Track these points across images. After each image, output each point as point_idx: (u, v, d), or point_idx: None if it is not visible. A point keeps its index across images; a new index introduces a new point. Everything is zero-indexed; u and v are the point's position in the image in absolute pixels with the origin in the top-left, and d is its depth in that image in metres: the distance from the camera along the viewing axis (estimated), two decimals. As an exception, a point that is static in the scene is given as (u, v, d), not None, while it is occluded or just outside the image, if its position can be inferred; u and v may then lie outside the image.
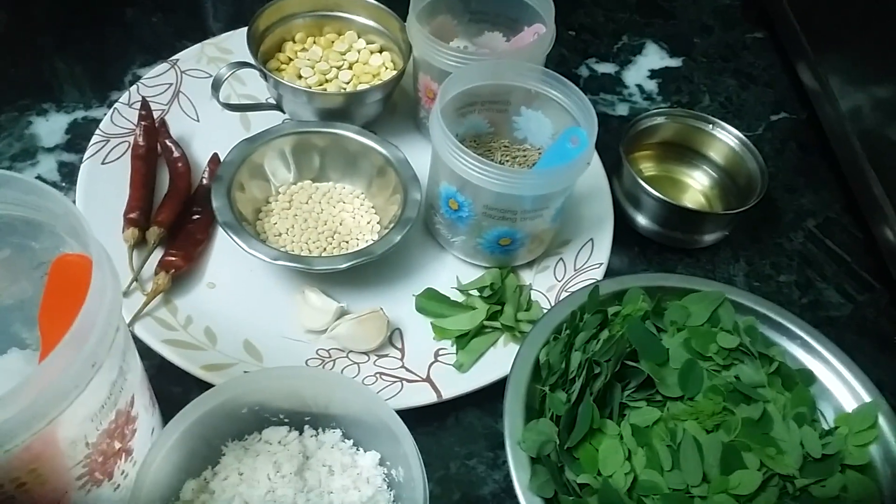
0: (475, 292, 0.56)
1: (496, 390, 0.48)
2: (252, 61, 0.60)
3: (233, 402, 0.42)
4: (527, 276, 0.58)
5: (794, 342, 0.51)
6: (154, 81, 0.65)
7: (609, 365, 0.45)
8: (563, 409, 0.44)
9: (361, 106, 0.62)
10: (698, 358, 0.47)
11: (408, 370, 0.51)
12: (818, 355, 0.50)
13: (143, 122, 0.60)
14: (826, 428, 0.47)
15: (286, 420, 0.45)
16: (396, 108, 0.68)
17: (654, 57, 0.82)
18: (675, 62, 0.81)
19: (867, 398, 0.47)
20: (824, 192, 0.70)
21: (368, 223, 0.59)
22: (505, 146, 0.62)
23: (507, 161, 0.61)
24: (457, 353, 0.52)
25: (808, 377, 0.49)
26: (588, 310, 0.50)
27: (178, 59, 0.67)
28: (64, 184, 0.61)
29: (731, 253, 0.64)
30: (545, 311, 0.56)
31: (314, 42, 0.67)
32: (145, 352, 0.50)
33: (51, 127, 0.65)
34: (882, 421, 0.46)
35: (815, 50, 0.76)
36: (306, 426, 0.45)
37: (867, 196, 0.64)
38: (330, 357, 0.51)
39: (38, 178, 0.61)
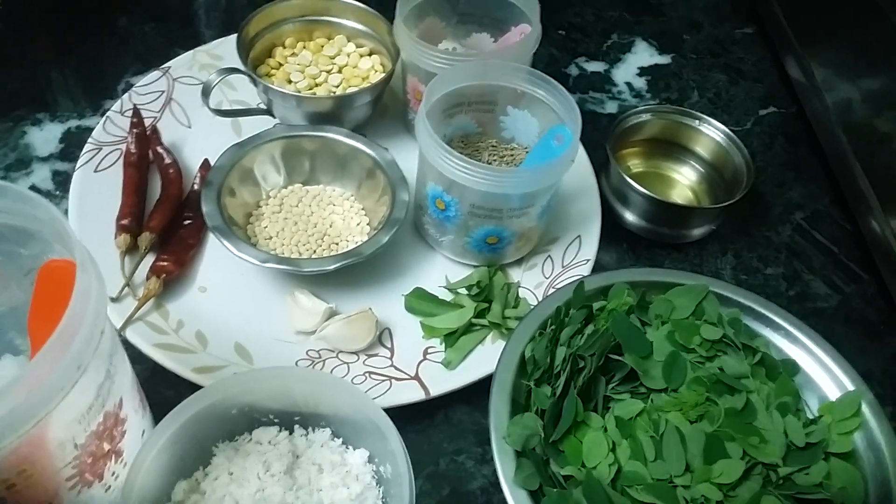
0: (463, 290, 0.57)
1: (484, 386, 0.48)
2: (241, 67, 0.61)
3: (223, 404, 0.43)
4: (515, 274, 0.59)
5: (779, 333, 0.51)
6: (146, 89, 0.66)
7: (593, 359, 0.46)
8: (548, 402, 0.44)
9: (350, 109, 0.63)
10: (682, 350, 0.48)
11: (397, 369, 0.52)
12: (802, 346, 0.50)
13: (134, 130, 0.61)
14: (810, 417, 0.48)
15: (276, 420, 0.45)
16: (386, 109, 0.69)
17: (643, 54, 0.82)
18: (664, 59, 0.82)
19: (850, 387, 0.47)
20: (813, 186, 0.71)
21: (358, 224, 0.60)
22: (493, 146, 0.62)
23: (495, 160, 0.61)
24: (445, 351, 0.53)
25: (792, 367, 0.49)
26: (573, 305, 0.51)
27: (169, 67, 0.68)
28: (58, 192, 0.62)
29: (718, 247, 0.65)
30: (532, 307, 0.56)
31: (304, 47, 0.68)
32: (137, 356, 0.51)
33: (45, 136, 0.66)
34: (865, 409, 0.46)
35: (801, 43, 0.76)
36: (296, 426, 0.46)
37: (853, 189, 0.64)
38: (320, 357, 0.52)
39: (33, 187, 0.62)
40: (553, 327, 0.49)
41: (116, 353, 0.38)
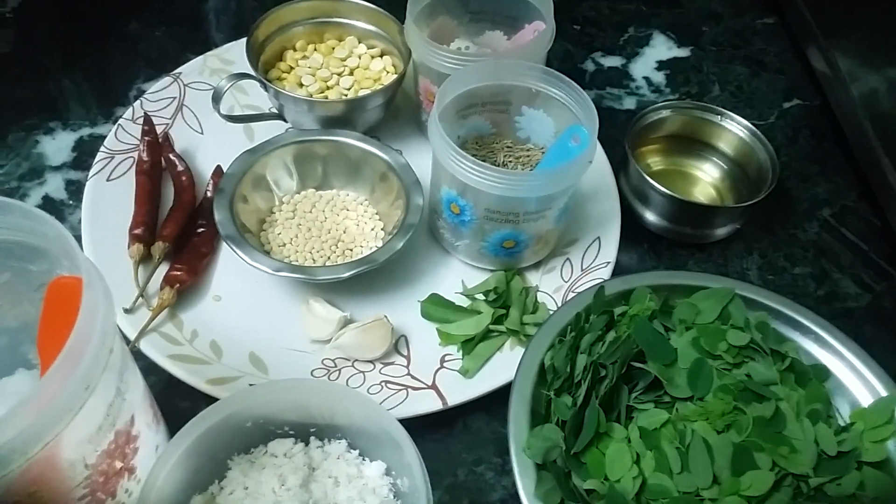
0: (480, 296, 0.55)
1: (504, 394, 0.47)
2: (252, 72, 0.61)
3: (237, 416, 0.42)
4: (533, 278, 0.58)
5: (808, 337, 0.49)
6: (157, 96, 0.66)
7: (615, 367, 0.44)
8: (569, 413, 0.43)
9: (363, 112, 0.62)
10: (708, 357, 0.46)
11: (413, 377, 0.51)
12: (832, 349, 0.48)
13: (146, 138, 0.60)
14: (841, 424, 0.46)
15: (292, 432, 0.45)
16: (399, 111, 0.68)
17: (661, 48, 0.80)
18: (683, 52, 0.80)
19: (883, 392, 0.46)
20: (839, 180, 0.69)
21: (372, 230, 0.59)
22: (508, 146, 0.61)
23: (511, 162, 0.60)
24: (462, 359, 0.52)
25: (823, 372, 0.48)
26: (594, 311, 0.49)
27: (180, 73, 0.68)
28: (71, 202, 0.62)
29: (743, 246, 0.63)
30: (551, 312, 0.55)
31: (315, 49, 0.67)
32: (152, 367, 0.50)
33: (57, 145, 0.65)
34: (899, 416, 0.44)
35: (824, 34, 0.74)
36: (312, 437, 0.45)
37: (882, 183, 0.62)
38: (335, 367, 0.51)
39: (46, 197, 0.62)
40: (573, 334, 0.48)
41: (127, 369, 0.37)
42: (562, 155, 0.54)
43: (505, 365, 0.51)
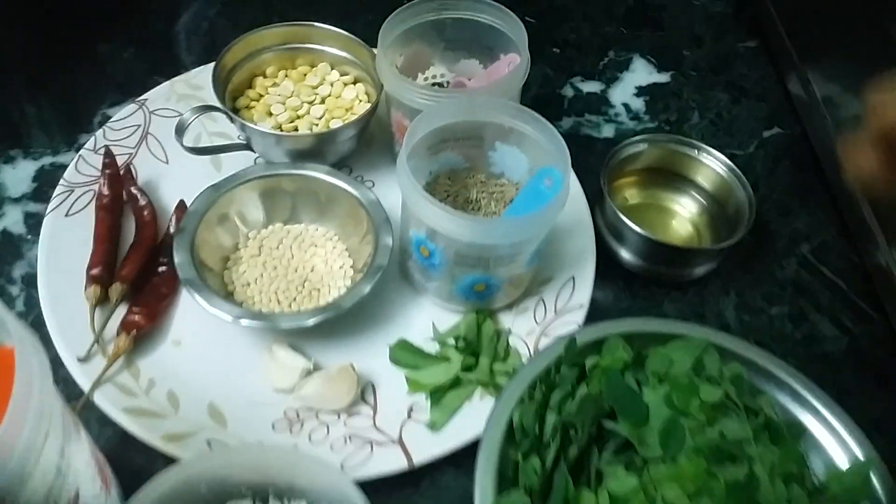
0: (452, 340, 0.54)
1: (473, 448, 0.46)
2: (217, 104, 0.59)
3: (192, 480, 0.41)
4: (506, 320, 0.56)
5: (783, 390, 0.48)
6: (121, 124, 0.64)
7: (585, 428, 0.43)
8: (536, 479, 0.42)
9: (334, 144, 0.60)
10: (680, 414, 0.45)
11: (379, 430, 0.49)
12: (808, 405, 0.47)
13: (107, 171, 0.58)
14: (815, 483, 0.45)
15: (248, 493, 0.43)
16: (373, 138, 0.66)
17: (641, 72, 0.79)
18: (663, 77, 0.79)
19: (858, 450, 0.45)
20: (819, 213, 0.68)
21: (341, 267, 0.57)
22: (481, 181, 0.60)
23: (484, 198, 0.59)
24: (430, 410, 0.50)
25: (797, 429, 0.47)
26: (564, 362, 0.48)
27: (146, 99, 0.66)
28: (30, 236, 0.59)
29: (720, 285, 0.62)
30: (523, 358, 0.54)
31: (286, 75, 0.65)
32: (106, 419, 0.48)
33: (17, 175, 0.63)
34: (874, 478, 0.43)
35: (801, 59, 0.73)
36: (271, 497, 0.43)
37: (857, 220, 0.61)
38: (298, 418, 0.50)
39: (5, 231, 0.60)
40: (543, 388, 0.46)
41: (70, 442, 0.35)
42: (534, 198, 0.52)
43: (474, 417, 0.49)
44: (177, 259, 0.51)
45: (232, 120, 0.58)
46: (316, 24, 0.64)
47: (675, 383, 0.47)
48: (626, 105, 0.76)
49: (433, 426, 0.49)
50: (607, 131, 0.73)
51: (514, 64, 0.59)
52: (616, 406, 0.45)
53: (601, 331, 0.50)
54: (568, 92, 0.77)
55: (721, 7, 0.87)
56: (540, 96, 0.76)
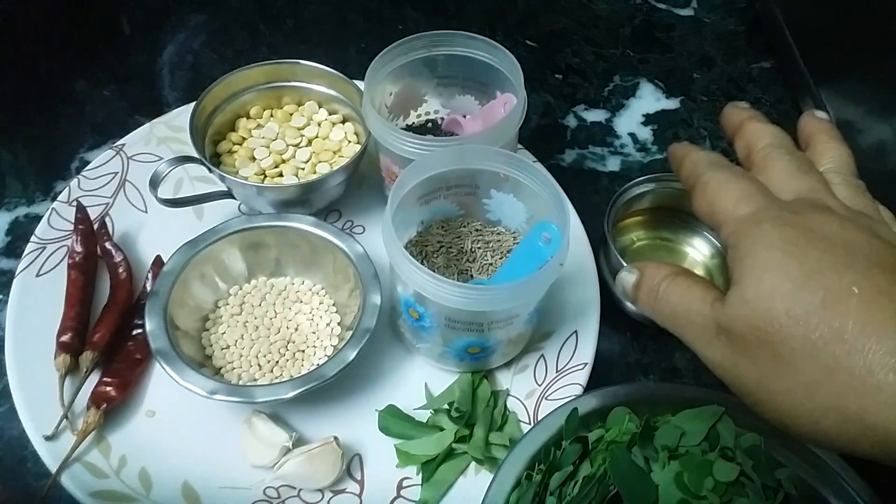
0: (445, 405, 0.50)
1: (466, 532, 0.42)
2: (195, 154, 0.55)
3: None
4: (503, 379, 0.53)
5: (804, 461, 0.44)
6: (97, 172, 0.60)
7: (587, 518, 0.39)
8: (532, 580, 0.38)
9: (320, 192, 0.57)
10: (692, 497, 0.41)
11: (366, 511, 0.46)
12: (829, 478, 0.43)
13: (79, 227, 0.55)
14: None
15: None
16: (364, 180, 0.63)
17: (648, 98, 0.75)
18: (671, 103, 0.75)
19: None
20: (841, 252, 0.63)
21: (328, 325, 0.54)
22: (477, 230, 0.56)
23: (479, 248, 0.55)
24: (422, 486, 0.47)
25: (821, 509, 0.43)
26: (566, 436, 0.44)
27: (123, 144, 0.62)
28: (2, 296, 0.56)
29: (735, 335, 0.57)
30: (522, 425, 0.50)
31: (271, 115, 0.62)
32: (74, 502, 0.45)
33: (-11, 229, 0.60)
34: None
35: (817, 82, 0.69)
36: None
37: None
38: (279, 497, 0.46)
39: (-26, 289, 0.57)
40: (542, 468, 0.43)
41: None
42: (530, 255, 0.48)
43: (469, 496, 0.46)
44: (148, 327, 0.48)
45: (210, 171, 0.55)
46: (301, 61, 0.61)
47: (687, 461, 0.43)
48: (632, 135, 0.72)
49: (424, 508, 0.46)
50: (612, 164, 0.69)
51: (510, 105, 0.55)
52: (622, 489, 0.41)
53: (606, 397, 0.46)
54: (571, 122, 0.73)
55: (733, 25, 0.82)
56: (541, 128, 0.72)
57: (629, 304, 0.56)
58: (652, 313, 0.37)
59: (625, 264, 0.53)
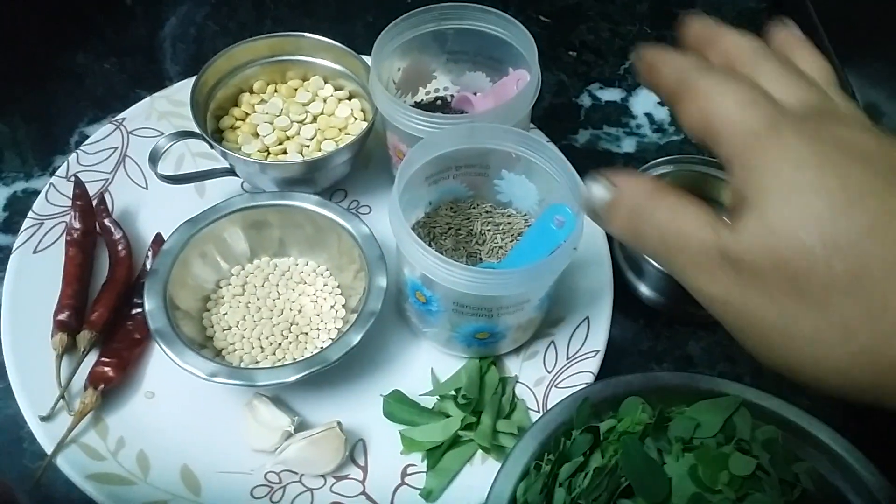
0: (452, 391, 0.49)
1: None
2: (196, 129, 0.53)
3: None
4: (512, 366, 0.51)
5: (823, 455, 0.43)
6: (96, 147, 0.59)
7: (598, 509, 0.38)
8: (540, 575, 0.37)
9: (325, 170, 0.55)
10: (707, 491, 0.40)
11: (369, 498, 0.44)
12: (849, 472, 0.42)
13: (77, 202, 0.53)
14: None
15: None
16: (370, 158, 0.61)
17: (665, 78, 0.72)
18: (689, 83, 0.72)
19: (912, 536, 0.39)
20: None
21: (332, 307, 0.52)
22: (487, 211, 0.54)
23: (489, 230, 0.53)
24: (426, 474, 0.45)
25: (838, 502, 0.41)
26: (576, 426, 0.43)
27: (124, 119, 0.61)
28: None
29: (751, 324, 0.56)
30: (531, 413, 0.49)
31: (275, 91, 0.60)
32: (72, 483, 0.44)
33: (-13, 203, 0.59)
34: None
35: (842, 61, 0.66)
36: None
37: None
38: (280, 483, 0.45)
39: (-29, 265, 0.56)
40: (550, 458, 0.41)
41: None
42: (543, 238, 0.46)
43: (474, 485, 0.44)
44: (147, 306, 0.47)
45: (212, 146, 0.53)
46: (307, 34, 0.59)
47: (702, 454, 0.41)
48: (648, 115, 0.69)
49: (428, 496, 0.44)
50: (628, 146, 0.67)
51: (522, 82, 0.53)
52: (634, 482, 0.39)
53: (619, 386, 0.45)
54: (585, 101, 0.70)
55: (754, 3, 0.80)
56: (554, 107, 0.70)
57: (643, 290, 0.54)
58: (632, 238, 0.30)
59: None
